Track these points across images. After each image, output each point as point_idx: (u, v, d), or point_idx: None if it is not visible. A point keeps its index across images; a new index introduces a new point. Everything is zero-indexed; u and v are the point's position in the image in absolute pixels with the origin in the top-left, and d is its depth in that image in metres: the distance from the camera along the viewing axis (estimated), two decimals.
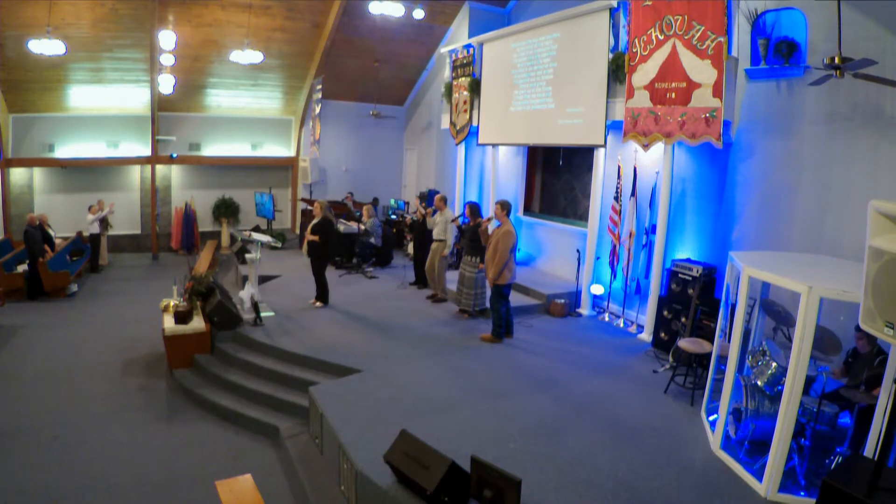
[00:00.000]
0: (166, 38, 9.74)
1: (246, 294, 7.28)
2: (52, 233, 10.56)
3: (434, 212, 8.48)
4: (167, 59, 10.37)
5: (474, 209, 7.42)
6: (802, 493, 3.77)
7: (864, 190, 5.08)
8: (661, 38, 6.48)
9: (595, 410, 5.03)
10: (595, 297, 8.20)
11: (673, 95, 6.40)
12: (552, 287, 8.53)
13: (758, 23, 6.02)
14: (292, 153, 13.96)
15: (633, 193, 7.41)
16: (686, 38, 6.20)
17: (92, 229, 11.26)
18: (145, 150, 12.45)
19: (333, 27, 11.03)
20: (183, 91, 11.94)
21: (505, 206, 6.77)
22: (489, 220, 6.98)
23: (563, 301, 8.01)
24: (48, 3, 9.04)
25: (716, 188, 6.69)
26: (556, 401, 5.18)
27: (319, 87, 12.30)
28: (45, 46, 8.49)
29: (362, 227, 10.11)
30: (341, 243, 10.21)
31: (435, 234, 8.36)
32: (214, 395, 5.96)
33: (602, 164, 7.91)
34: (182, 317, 6.65)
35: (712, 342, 5.18)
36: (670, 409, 5.13)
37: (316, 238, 7.61)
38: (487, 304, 7.53)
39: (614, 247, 7.64)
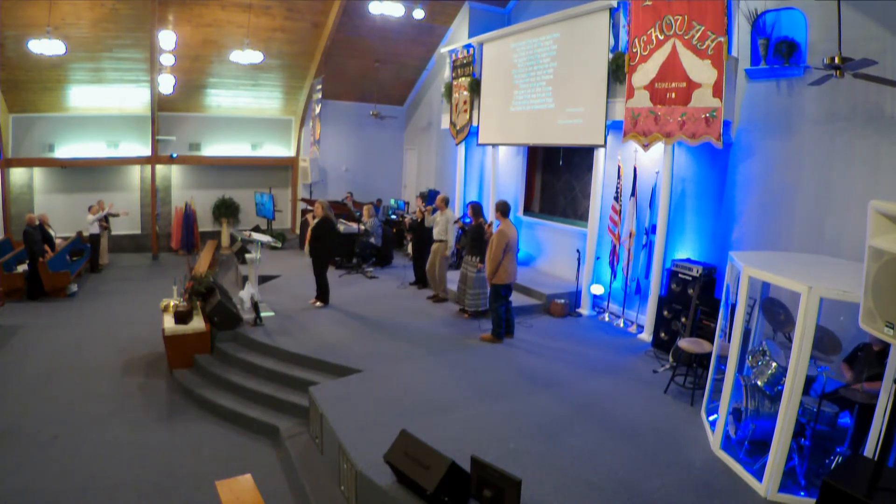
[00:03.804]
0: (166, 38, 9.76)
1: (246, 294, 7.28)
2: (52, 233, 10.57)
3: (434, 210, 8.48)
4: (167, 59, 10.37)
5: (476, 209, 7.44)
6: (802, 493, 3.77)
7: (864, 190, 5.08)
8: (661, 38, 6.48)
9: (595, 410, 5.03)
10: (595, 297, 8.19)
11: (673, 95, 6.40)
12: (552, 287, 8.53)
13: (758, 23, 6.01)
14: (292, 153, 13.96)
15: (633, 193, 7.41)
16: (686, 38, 6.20)
17: (92, 229, 11.26)
18: (145, 150, 12.45)
19: (333, 27, 11.03)
20: (183, 91, 11.94)
21: (499, 207, 6.80)
22: (490, 224, 6.99)
23: (563, 301, 8.01)
24: (48, 3, 9.04)
25: (716, 188, 6.69)
26: (556, 401, 5.18)
27: (319, 87, 12.30)
28: (45, 46, 8.49)
29: (362, 227, 10.11)
30: (341, 243, 10.21)
31: (435, 235, 8.36)
32: (214, 395, 5.96)
33: (602, 164, 7.91)
34: (182, 317, 6.65)
35: (712, 342, 5.18)
36: (670, 409, 5.13)
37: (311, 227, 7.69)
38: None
39: (614, 247, 7.64)
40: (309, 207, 11.33)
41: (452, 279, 8.38)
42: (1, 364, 6.75)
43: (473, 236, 7.36)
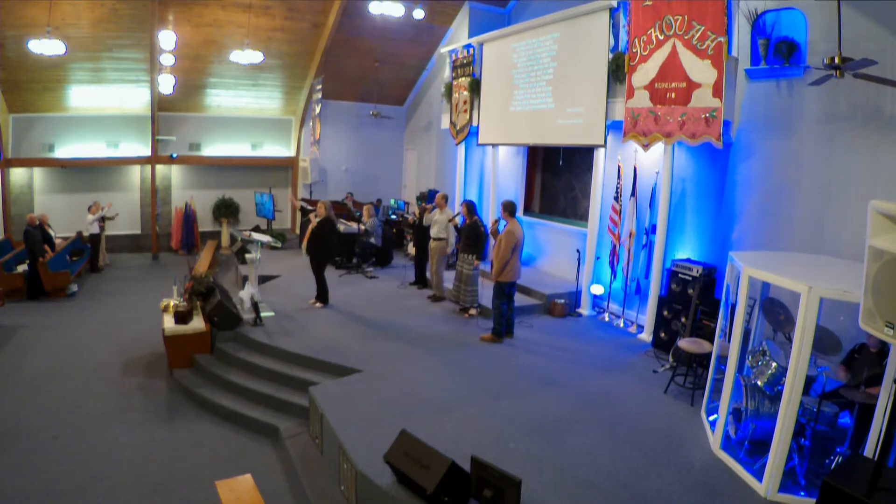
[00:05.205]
0: (166, 38, 9.76)
1: (246, 294, 7.28)
2: (52, 233, 10.56)
3: (433, 208, 8.49)
4: (167, 59, 10.37)
5: (470, 208, 7.47)
6: (802, 493, 3.77)
7: (864, 190, 5.08)
8: (661, 38, 6.48)
9: (595, 410, 5.03)
10: (595, 297, 8.19)
11: (673, 95, 6.40)
12: (552, 287, 8.53)
13: (758, 23, 6.01)
14: (292, 153, 13.96)
15: (633, 193, 7.41)
16: (686, 38, 6.20)
17: (92, 229, 11.26)
18: (145, 150, 12.45)
19: (333, 27, 11.03)
20: (183, 91, 11.94)
21: (507, 207, 6.80)
22: (496, 221, 7.00)
23: (563, 301, 8.01)
24: (48, 3, 9.03)
25: (716, 188, 6.69)
26: (557, 401, 5.18)
27: (319, 87, 12.30)
28: (45, 46, 8.49)
29: (362, 227, 10.11)
30: (341, 243, 10.21)
31: (434, 233, 8.37)
32: (214, 395, 5.96)
33: (602, 164, 7.91)
34: (182, 317, 6.64)
35: (712, 342, 5.18)
36: (670, 409, 5.13)
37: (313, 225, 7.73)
38: (483, 302, 7.57)
39: (614, 247, 7.64)
40: (309, 207, 11.34)
41: (449, 278, 8.39)
42: (1, 364, 6.75)
43: (468, 234, 7.38)
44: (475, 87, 10.23)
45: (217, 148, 13.26)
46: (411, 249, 10.06)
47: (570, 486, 3.85)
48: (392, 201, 13.59)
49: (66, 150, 11.88)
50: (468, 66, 10.40)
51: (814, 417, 3.82)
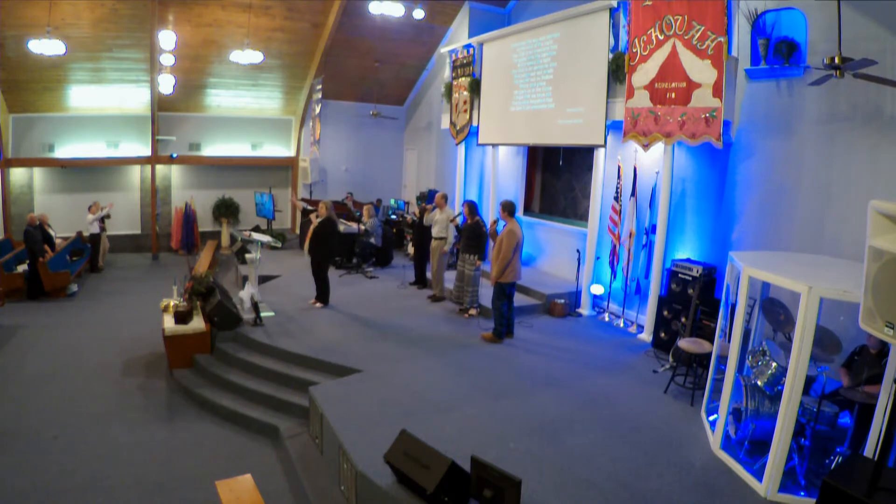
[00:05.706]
0: (166, 38, 9.77)
1: (246, 294, 7.28)
2: (52, 233, 10.56)
3: (433, 208, 8.49)
4: (167, 59, 10.38)
5: (472, 208, 7.47)
6: (802, 493, 3.77)
7: (864, 190, 5.08)
8: (661, 38, 6.48)
9: (595, 410, 5.03)
10: (595, 297, 8.19)
11: (673, 95, 6.40)
12: (552, 287, 8.53)
13: (758, 23, 6.02)
14: (292, 153, 13.96)
15: (633, 193, 7.41)
16: (686, 38, 6.20)
17: (92, 229, 11.26)
18: (145, 150, 12.45)
19: (333, 27, 11.03)
20: (183, 91, 11.94)
21: (506, 207, 6.80)
22: (495, 221, 7.00)
23: (563, 301, 8.01)
24: (48, 3, 9.04)
25: (716, 188, 6.69)
26: (557, 401, 5.18)
27: (319, 87, 12.30)
28: (45, 46, 8.49)
29: (362, 227, 10.11)
30: (342, 243, 10.21)
31: (435, 233, 8.38)
32: (214, 395, 5.96)
33: (602, 164, 7.91)
34: (182, 317, 6.65)
35: (712, 342, 5.18)
36: (670, 409, 5.13)
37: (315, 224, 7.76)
38: (483, 302, 7.56)
39: (614, 247, 7.64)
40: (310, 208, 11.34)
41: (450, 278, 8.39)
42: (1, 364, 6.75)
43: (470, 234, 7.38)
44: (475, 87, 10.23)
45: (217, 148, 13.26)
46: (411, 249, 10.06)
47: (570, 486, 3.85)
48: (392, 201, 13.58)
49: (66, 150, 11.89)
50: (468, 66, 10.40)
51: (814, 417, 3.82)
